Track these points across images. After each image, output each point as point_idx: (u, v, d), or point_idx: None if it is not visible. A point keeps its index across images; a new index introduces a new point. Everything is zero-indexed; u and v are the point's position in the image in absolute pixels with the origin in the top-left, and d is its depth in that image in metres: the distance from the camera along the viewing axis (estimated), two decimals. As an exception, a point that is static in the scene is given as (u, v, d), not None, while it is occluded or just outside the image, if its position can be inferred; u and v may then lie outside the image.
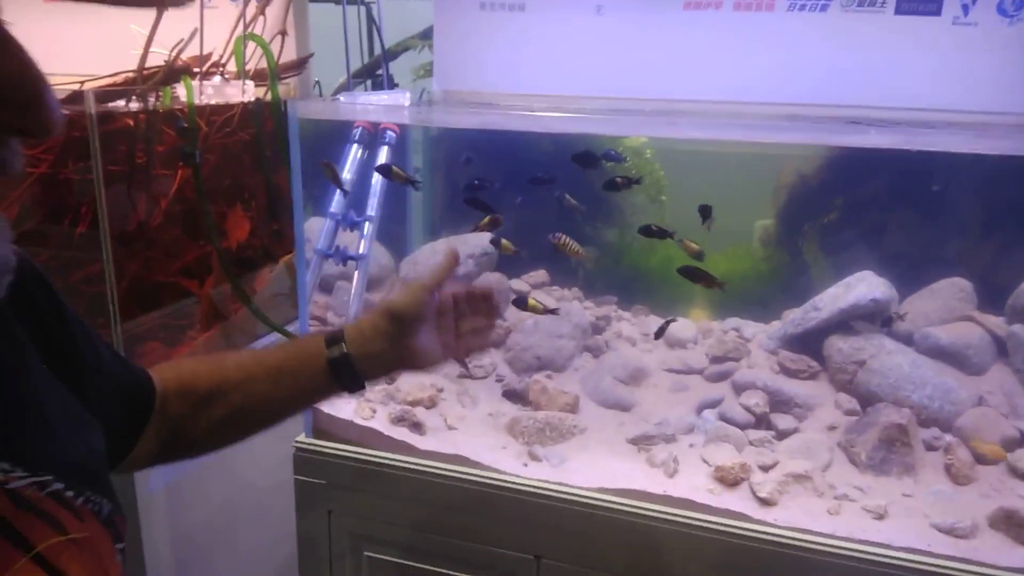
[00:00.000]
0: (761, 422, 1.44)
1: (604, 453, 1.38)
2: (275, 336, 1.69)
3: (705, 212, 1.34)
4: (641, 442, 1.40)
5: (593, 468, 1.34)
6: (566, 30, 1.53)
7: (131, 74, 1.36)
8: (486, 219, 1.43)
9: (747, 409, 1.45)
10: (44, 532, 0.49)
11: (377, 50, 1.86)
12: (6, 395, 0.53)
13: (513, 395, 1.56)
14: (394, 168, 1.58)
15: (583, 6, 1.50)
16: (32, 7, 1.60)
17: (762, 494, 1.24)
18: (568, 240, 1.45)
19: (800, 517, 1.21)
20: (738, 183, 1.63)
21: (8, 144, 0.43)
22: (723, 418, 1.45)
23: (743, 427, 1.42)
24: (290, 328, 1.69)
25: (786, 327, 1.64)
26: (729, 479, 1.28)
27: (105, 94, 1.31)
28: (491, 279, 1.77)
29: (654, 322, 1.79)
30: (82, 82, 1.31)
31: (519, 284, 1.84)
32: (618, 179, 1.47)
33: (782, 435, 1.41)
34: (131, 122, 1.35)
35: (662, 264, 1.49)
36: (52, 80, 0.44)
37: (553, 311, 1.47)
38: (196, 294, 1.52)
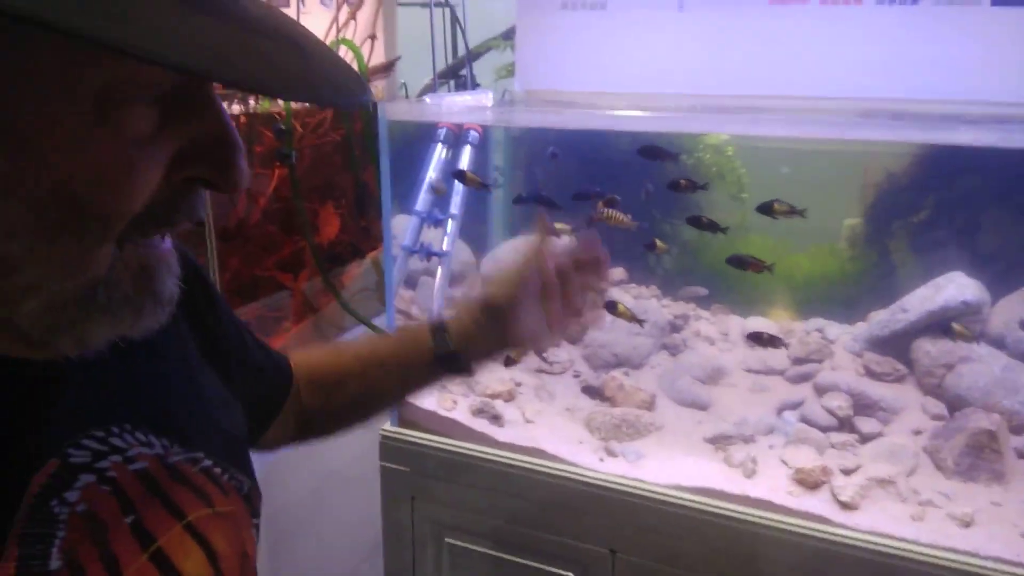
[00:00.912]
0: (844, 425, 1.42)
1: (681, 451, 1.39)
2: (362, 328, 1.76)
3: (766, 210, 1.31)
4: (719, 441, 1.40)
5: (670, 465, 1.35)
6: (648, 27, 1.53)
7: (232, 79, 1.44)
8: (602, 201, 1.44)
9: (829, 411, 1.43)
10: (195, 504, 0.54)
11: (461, 51, 1.90)
12: (170, 380, 0.60)
13: (591, 391, 1.58)
14: (468, 174, 1.62)
15: (665, 3, 1.49)
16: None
17: (843, 497, 1.23)
18: (613, 212, 1.44)
19: (883, 522, 1.19)
20: (825, 181, 1.60)
21: (199, 194, 0.47)
22: (804, 420, 1.43)
23: (825, 430, 1.40)
24: (376, 321, 1.76)
25: (872, 328, 1.60)
26: (809, 481, 1.27)
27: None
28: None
29: (734, 322, 1.78)
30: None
31: (597, 281, 1.85)
32: (682, 180, 1.45)
33: (866, 438, 1.38)
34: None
35: (742, 263, 1.48)
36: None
37: (640, 322, 1.49)
38: (290, 288, 1.60)
